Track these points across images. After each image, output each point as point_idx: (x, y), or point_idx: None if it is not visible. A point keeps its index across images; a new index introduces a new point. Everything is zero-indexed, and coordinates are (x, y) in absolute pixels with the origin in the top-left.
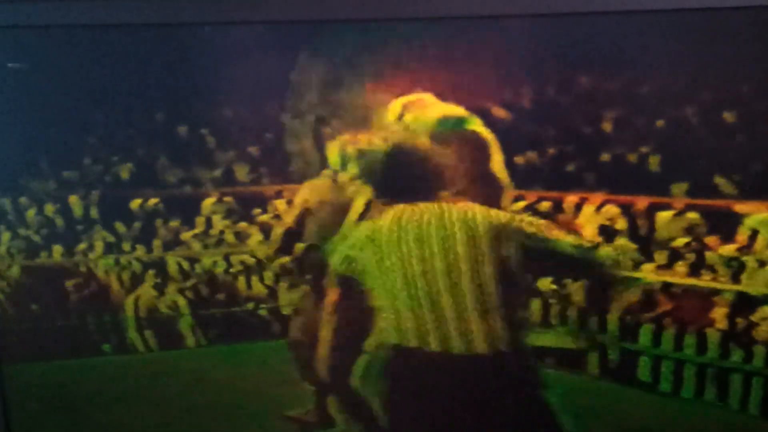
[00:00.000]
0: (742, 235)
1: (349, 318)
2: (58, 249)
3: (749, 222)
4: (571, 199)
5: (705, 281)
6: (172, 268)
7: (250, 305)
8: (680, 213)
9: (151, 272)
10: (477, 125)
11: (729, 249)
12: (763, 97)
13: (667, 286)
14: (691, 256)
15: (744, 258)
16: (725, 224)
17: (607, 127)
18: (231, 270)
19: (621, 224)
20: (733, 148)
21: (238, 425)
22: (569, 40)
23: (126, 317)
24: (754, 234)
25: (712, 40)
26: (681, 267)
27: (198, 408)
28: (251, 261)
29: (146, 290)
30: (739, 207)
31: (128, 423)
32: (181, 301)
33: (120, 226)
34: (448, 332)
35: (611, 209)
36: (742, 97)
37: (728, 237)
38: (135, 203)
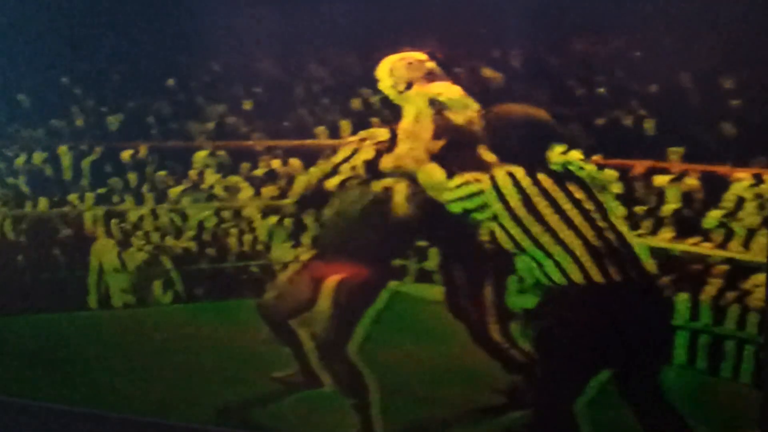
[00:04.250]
0: (728, 201)
1: (350, 294)
2: (45, 200)
3: (736, 188)
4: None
5: (697, 247)
6: (162, 221)
7: (240, 262)
8: (677, 178)
9: (139, 225)
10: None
11: (716, 215)
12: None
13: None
14: (683, 222)
15: (731, 224)
16: (715, 190)
17: (602, 90)
18: (222, 225)
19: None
20: (724, 114)
21: (224, 383)
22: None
23: (111, 270)
24: (740, 201)
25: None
26: (668, 233)
27: (185, 366)
28: (255, 216)
29: (133, 243)
30: (727, 173)
31: (114, 378)
32: (170, 256)
33: (110, 178)
34: (592, 266)
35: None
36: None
37: (716, 202)
38: (126, 154)
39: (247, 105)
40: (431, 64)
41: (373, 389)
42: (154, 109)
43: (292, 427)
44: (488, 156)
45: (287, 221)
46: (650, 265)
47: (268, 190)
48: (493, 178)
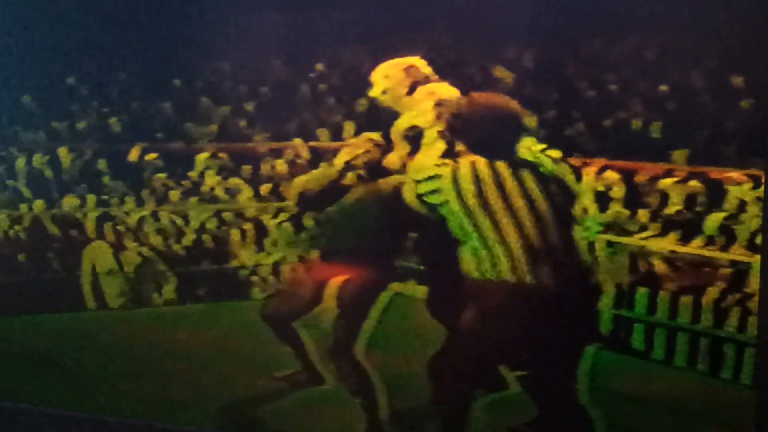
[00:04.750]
0: (729, 204)
1: (352, 296)
2: (42, 202)
3: (735, 192)
4: (572, 163)
5: (698, 250)
6: (163, 223)
7: (241, 264)
8: (682, 181)
9: (140, 226)
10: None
11: (717, 218)
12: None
13: (661, 255)
14: (685, 224)
15: (734, 227)
16: (716, 193)
17: (609, 91)
18: (223, 227)
19: (619, 191)
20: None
21: (225, 385)
22: (572, 2)
23: (106, 272)
24: (742, 204)
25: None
26: (674, 235)
27: (187, 366)
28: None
29: (133, 245)
30: (726, 177)
31: (118, 381)
32: (169, 258)
33: (110, 180)
34: (523, 266)
35: (611, 175)
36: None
37: (718, 205)
38: (131, 156)
39: (249, 107)
40: (428, 69)
41: (379, 389)
42: (155, 110)
43: (293, 428)
44: (458, 145)
45: (288, 224)
46: (590, 274)
47: (270, 193)
48: (455, 165)
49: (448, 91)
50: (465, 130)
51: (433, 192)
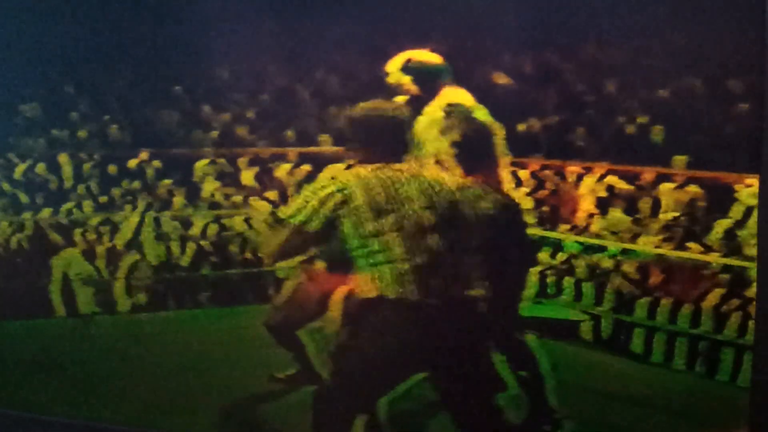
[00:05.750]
0: (737, 211)
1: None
2: (46, 208)
3: (744, 197)
4: (572, 169)
5: (699, 255)
6: (164, 228)
7: (240, 270)
8: (681, 186)
9: (140, 233)
10: (483, 114)
11: (725, 223)
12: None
13: (661, 260)
14: (687, 230)
15: (739, 233)
16: (723, 198)
17: (611, 96)
18: (224, 233)
19: (620, 195)
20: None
21: (227, 385)
22: (573, 8)
23: (114, 277)
24: (749, 210)
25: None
26: (675, 240)
27: (186, 370)
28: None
29: (131, 250)
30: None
31: (116, 383)
32: (171, 262)
33: (109, 186)
34: (416, 282)
35: (612, 179)
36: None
37: (725, 212)
38: (131, 163)
39: (250, 113)
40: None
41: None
42: (153, 118)
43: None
44: (349, 153)
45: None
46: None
47: (270, 197)
48: (356, 174)
49: (455, 95)
50: (357, 138)
51: (342, 204)
